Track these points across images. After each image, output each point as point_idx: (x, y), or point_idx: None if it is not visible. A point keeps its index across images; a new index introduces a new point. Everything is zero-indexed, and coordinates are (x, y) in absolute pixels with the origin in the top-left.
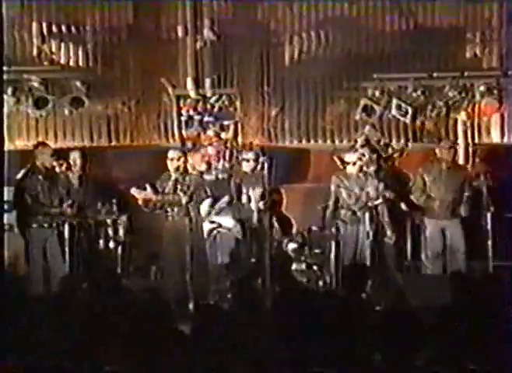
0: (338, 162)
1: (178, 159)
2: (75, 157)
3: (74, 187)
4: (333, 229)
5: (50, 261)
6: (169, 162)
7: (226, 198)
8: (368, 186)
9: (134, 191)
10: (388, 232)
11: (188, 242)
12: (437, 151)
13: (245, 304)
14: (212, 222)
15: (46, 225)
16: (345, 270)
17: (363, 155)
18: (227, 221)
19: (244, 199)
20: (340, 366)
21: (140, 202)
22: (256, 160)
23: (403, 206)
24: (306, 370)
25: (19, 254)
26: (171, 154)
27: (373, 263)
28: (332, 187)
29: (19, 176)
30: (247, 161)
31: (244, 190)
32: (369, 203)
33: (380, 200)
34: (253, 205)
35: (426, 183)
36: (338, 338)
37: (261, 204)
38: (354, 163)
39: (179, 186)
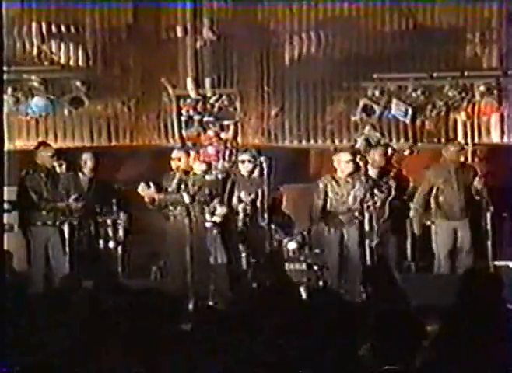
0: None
1: (179, 159)
2: (86, 158)
3: (83, 191)
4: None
5: (51, 260)
6: (172, 162)
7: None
8: (355, 190)
9: (140, 188)
10: (373, 237)
11: (188, 242)
12: (444, 152)
13: (244, 304)
14: (213, 223)
15: (49, 223)
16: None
17: (359, 153)
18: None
19: (235, 201)
20: (340, 366)
21: (146, 199)
22: (252, 161)
23: (412, 207)
24: (306, 370)
25: (20, 254)
26: (175, 153)
27: (363, 267)
28: (320, 185)
29: (22, 173)
30: (243, 162)
31: (236, 193)
32: (354, 208)
33: (368, 204)
34: (240, 208)
35: (431, 191)
36: (337, 338)
37: (248, 209)
38: (348, 161)
39: (182, 186)
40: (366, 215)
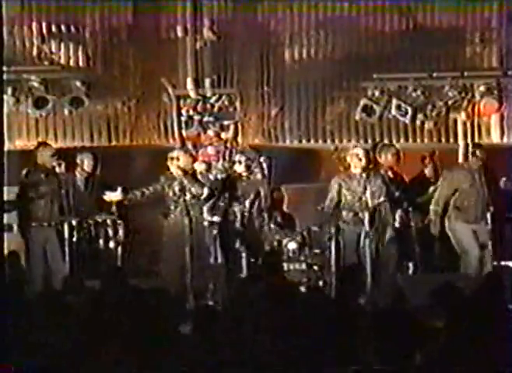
0: (338, 162)
1: (178, 159)
2: (83, 159)
3: (80, 190)
4: (333, 230)
5: (50, 261)
6: (169, 162)
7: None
8: (371, 187)
9: (106, 195)
10: (389, 231)
11: (188, 242)
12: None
13: (244, 304)
14: (212, 222)
15: (46, 224)
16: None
17: (368, 151)
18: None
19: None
20: (339, 366)
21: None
22: (247, 162)
23: (432, 209)
24: (306, 370)
25: (20, 254)
26: (175, 153)
27: (373, 264)
28: (333, 190)
29: (24, 172)
30: (239, 163)
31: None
32: (371, 204)
33: (382, 199)
34: (237, 209)
35: (455, 192)
36: (337, 338)
37: (245, 209)
38: (360, 156)
39: (175, 186)
40: (366, 214)
